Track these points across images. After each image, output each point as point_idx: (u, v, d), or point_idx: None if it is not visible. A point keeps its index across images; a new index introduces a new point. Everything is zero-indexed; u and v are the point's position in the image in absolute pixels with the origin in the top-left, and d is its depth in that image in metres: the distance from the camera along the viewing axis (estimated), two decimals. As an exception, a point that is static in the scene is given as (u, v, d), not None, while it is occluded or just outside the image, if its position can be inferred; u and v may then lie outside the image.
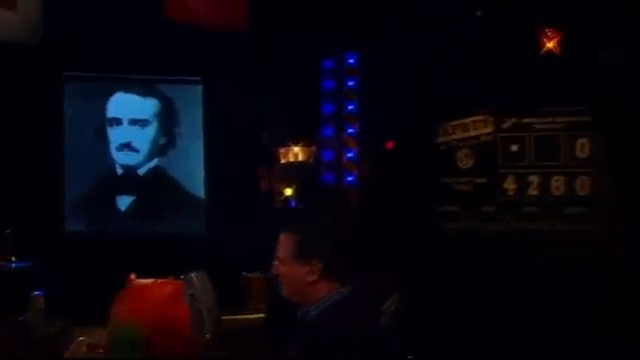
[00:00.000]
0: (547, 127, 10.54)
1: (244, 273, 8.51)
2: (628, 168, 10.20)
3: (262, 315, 7.72)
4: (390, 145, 11.06)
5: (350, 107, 11.07)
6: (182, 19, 9.64)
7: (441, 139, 11.01)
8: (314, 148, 11.10)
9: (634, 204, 10.16)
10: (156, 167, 11.15)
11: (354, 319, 3.93)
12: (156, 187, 11.18)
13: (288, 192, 10.98)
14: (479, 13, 10.09)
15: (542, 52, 10.28)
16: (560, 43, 10.26)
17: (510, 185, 10.73)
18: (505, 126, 10.71)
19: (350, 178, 11.15)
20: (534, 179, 10.62)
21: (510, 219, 10.70)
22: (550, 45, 10.28)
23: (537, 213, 10.61)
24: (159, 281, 5.11)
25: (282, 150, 10.91)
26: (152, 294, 5.00)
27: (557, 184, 10.56)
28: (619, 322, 9.31)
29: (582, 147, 10.44)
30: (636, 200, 10.12)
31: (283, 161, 10.96)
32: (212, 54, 10.54)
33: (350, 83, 11.07)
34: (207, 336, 4.78)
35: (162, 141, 11.13)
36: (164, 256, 9.56)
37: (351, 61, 11.06)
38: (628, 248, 9.98)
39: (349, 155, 11.13)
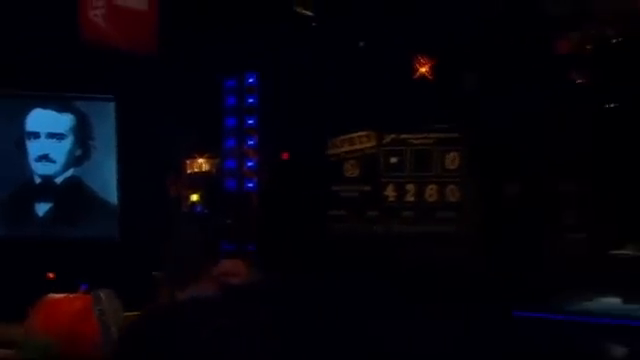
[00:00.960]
0: (422, 142, 11.89)
1: (154, 272, 9.34)
2: (490, 178, 11.67)
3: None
4: (285, 156, 12.22)
5: (250, 121, 12.23)
6: (97, 42, 10.24)
7: (331, 151, 12.23)
8: (217, 159, 12.12)
9: (495, 209, 11.67)
10: (72, 177, 11.81)
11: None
12: (72, 195, 11.80)
13: (194, 198, 12.02)
14: (361, 44, 11.27)
15: (416, 77, 11.65)
16: (431, 69, 11.64)
17: (390, 192, 12.06)
18: (386, 141, 12.02)
19: (250, 185, 12.33)
20: (411, 187, 11.98)
21: (391, 222, 12.05)
22: (423, 70, 11.65)
23: (414, 217, 11.98)
24: (70, 296, 5.42)
25: (188, 161, 11.89)
26: (63, 309, 5.21)
27: (431, 192, 11.95)
28: (481, 313, 10.63)
29: (452, 160, 11.84)
30: (496, 206, 11.63)
31: (189, 171, 11.96)
32: (124, 73, 11.23)
33: (250, 100, 12.22)
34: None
35: (77, 153, 11.78)
36: (79, 259, 10.38)
37: (251, 80, 12.21)
38: (489, 247, 11.36)
39: (249, 164, 12.29)
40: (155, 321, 2.92)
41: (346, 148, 12.16)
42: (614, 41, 10.88)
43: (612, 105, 11.57)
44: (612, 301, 11.12)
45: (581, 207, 12.06)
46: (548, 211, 11.96)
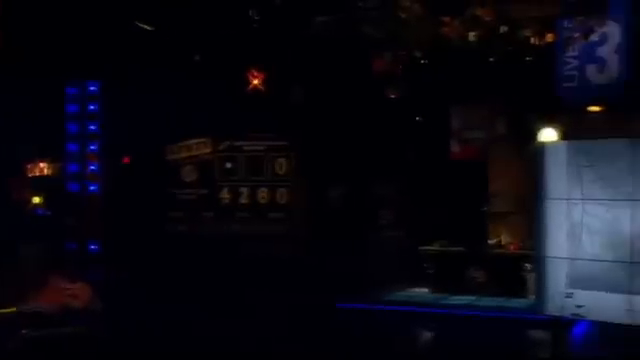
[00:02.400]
0: (254, 149, 12.99)
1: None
2: (316, 182, 12.85)
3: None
4: (127, 160, 12.83)
5: (92, 127, 12.79)
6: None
7: (170, 157, 13.07)
8: (60, 163, 12.54)
9: (320, 210, 12.82)
10: None
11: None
12: None
13: (36, 200, 12.41)
14: (197, 57, 12.03)
15: (249, 88, 12.61)
16: (264, 81, 12.63)
17: (226, 195, 13.04)
18: (221, 148, 13.02)
19: (93, 187, 12.87)
20: (245, 190, 13.05)
21: (226, 222, 13.00)
22: (256, 82, 12.64)
23: (247, 217, 13.02)
24: None
25: (30, 165, 12.25)
26: None
27: (262, 194, 13.04)
28: (307, 301, 11.26)
29: (281, 166, 12.99)
30: (322, 207, 12.77)
31: (31, 174, 12.32)
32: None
33: (91, 107, 12.78)
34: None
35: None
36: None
37: (92, 88, 12.76)
38: (315, 245, 12.51)
39: (92, 168, 12.83)
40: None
41: (184, 154, 13.08)
42: (421, 62, 12.29)
43: (419, 118, 13.03)
44: (421, 292, 12.62)
45: (397, 208, 13.50)
46: (367, 211, 13.26)
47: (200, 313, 10.51)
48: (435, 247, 12.59)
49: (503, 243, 12.12)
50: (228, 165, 12.94)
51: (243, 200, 12.96)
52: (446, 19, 10.79)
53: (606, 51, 9.10)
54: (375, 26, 11.35)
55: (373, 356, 9.19)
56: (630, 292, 7.96)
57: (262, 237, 12.70)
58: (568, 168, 8.43)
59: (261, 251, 12.42)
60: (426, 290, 12.48)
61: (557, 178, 8.53)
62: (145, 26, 11.72)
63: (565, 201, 8.46)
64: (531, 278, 10.40)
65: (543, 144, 8.84)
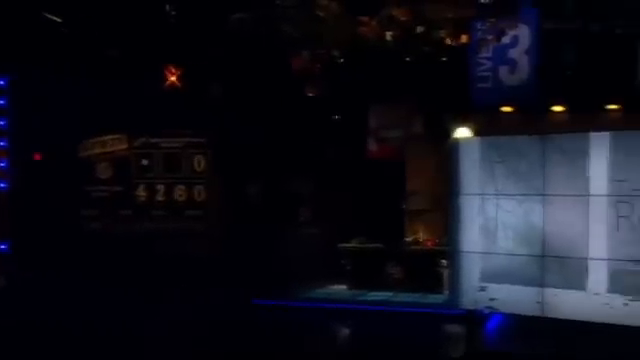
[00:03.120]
0: (171, 146, 12.81)
1: None
2: (233, 179, 12.75)
3: None
4: (37, 157, 12.47)
5: (0, 123, 12.36)
6: None
7: (84, 153, 12.75)
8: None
9: (238, 208, 12.75)
10: None
11: None
12: None
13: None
14: (113, 52, 11.79)
15: (166, 85, 12.45)
16: (181, 77, 12.49)
17: (142, 192, 12.82)
18: (137, 144, 12.79)
19: (1, 185, 12.45)
20: (161, 188, 12.85)
21: (142, 220, 12.79)
22: (173, 79, 12.48)
23: (164, 215, 12.84)
24: None
25: None
26: None
27: (180, 192, 12.87)
28: (224, 298, 11.32)
29: (198, 163, 12.85)
30: (238, 205, 12.71)
31: None
32: None
33: (0, 102, 12.36)
34: None
35: None
36: None
37: (1, 83, 12.36)
38: (233, 242, 12.47)
39: (0, 165, 12.40)
40: None
41: (99, 150, 12.77)
42: (340, 61, 12.41)
43: (337, 117, 13.15)
44: (339, 288, 12.71)
45: (315, 206, 13.60)
46: (286, 209, 13.28)
47: (113, 312, 10.36)
48: (353, 244, 12.71)
49: (420, 240, 12.32)
50: (144, 162, 12.74)
51: (159, 198, 12.78)
52: (364, 19, 10.89)
53: (517, 53, 9.37)
54: (293, 24, 11.38)
55: (287, 352, 9.21)
56: (541, 285, 8.21)
57: (179, 235, 12.58)
58: (481, 164, 8.64)
59: (178, 249, 12.31)
60: (344, 287, 12.61)
61: (471, 174, 8.73)
62: (55, 18, 11.41)
63: (479, 196, 8.66)
64: (447, 274, 10.62)
65: (457, 140, 9.00)
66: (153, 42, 11.94)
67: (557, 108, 8.63)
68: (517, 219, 8.44)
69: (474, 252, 8.70)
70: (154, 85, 12.25)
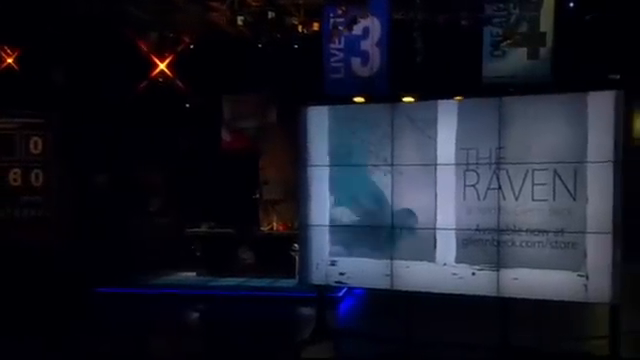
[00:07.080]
0: (4, 127, 11.97)
1: None
2: (77, 164, 12.20)
3: None
4: None
5: None
6: None
7: None
8: None
9: (83, 194, 12.19)
10: None
11: None
12: None
13: None
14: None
15: (2, 66, 11.83)
16: (17, 59, 11.88)
17: (-29, 176, 11.89)
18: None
19: None
20: (-7, 170, 11.94)
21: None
22: (10, 60, 11.88)
23: (-4, 200, 11.95)
24: None
25: None
26: None
27: (15, 176, 12.07)
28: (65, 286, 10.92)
29: (36, 145, 12.09)
30: (84, 190, 12.13)
31: None
32: None
33: None
34: None
35: None
36: None
37: None
38: (77, 230, 11.99)
39: None
40: None
41: None
42: (190, 47, 12.07)
43: (188, 104, 12.81)
44: (188, 275, 12.35)
45: (166, 194, 13.28)
46: (135, 197, 12.89)
47: None
48: (202, 229, 12.44)
49: (274, 229, 12.26)
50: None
51: (-9, 181, 11.91)
52: (214, 3, 10.59)
53: (368, 44, 9.33)
54: (140, 7, 10.94)
55: (127, 337, 8.91)
56: (390, 257, 8.12)
57: (15, 222, 11.90)
58: (330, 134, 8.48)
59: (14, 237, 11.59)
60: (193, 274, 12.36)
61: (320, 144, 8.54)
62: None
63: (327, 167, 8.48)
64: (299, 257, 10.51)
65: (306, 110, 8.78)
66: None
67: (407, 99, 8.62)
68: (366, 190, 8.31)
69: (323, 225, 8.50)
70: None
